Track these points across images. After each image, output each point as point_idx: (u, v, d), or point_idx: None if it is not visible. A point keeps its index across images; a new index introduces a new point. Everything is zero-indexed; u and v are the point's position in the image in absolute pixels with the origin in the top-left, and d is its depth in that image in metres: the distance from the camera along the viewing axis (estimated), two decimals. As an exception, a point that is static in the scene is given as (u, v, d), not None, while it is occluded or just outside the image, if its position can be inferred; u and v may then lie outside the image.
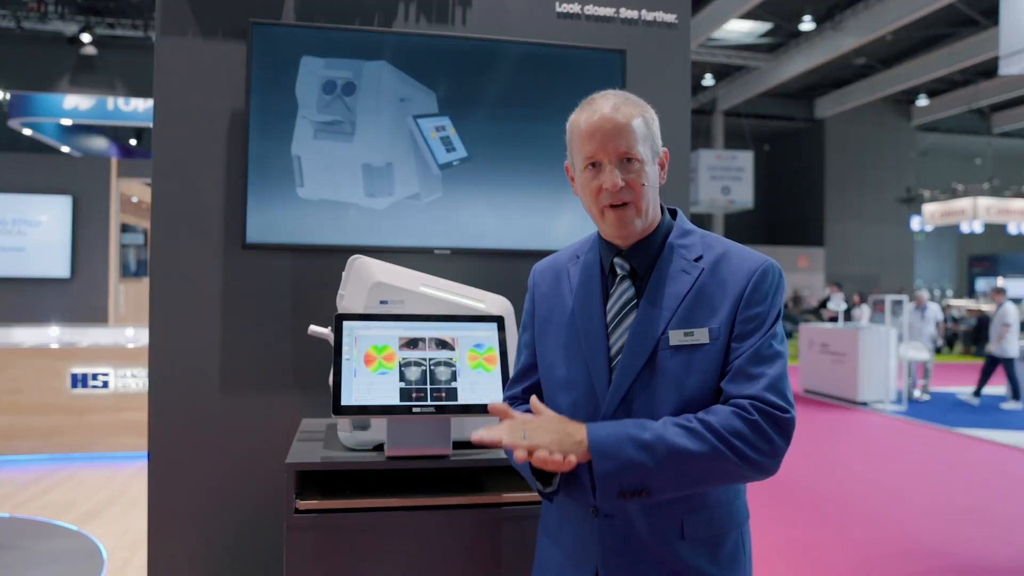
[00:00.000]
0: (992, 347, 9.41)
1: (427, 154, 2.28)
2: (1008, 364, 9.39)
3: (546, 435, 1.16)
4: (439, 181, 2.31)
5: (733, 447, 1.16)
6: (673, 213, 1.39)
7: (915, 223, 21.05)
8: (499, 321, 1.84)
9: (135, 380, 6.06)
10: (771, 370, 1.21)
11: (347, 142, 2.24)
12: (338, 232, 2.26)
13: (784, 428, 1.19)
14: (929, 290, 20.53)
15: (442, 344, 1.77)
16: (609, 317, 1.31)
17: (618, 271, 1.33)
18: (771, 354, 1.22)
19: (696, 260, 1.30)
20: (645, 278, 1.31)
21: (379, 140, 2.26)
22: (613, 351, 1.28)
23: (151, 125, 2.96)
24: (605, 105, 1.28)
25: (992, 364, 9.49)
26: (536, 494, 1.40)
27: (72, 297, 8.98)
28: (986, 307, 19.22)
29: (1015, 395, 9.48)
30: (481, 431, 1.16)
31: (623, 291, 1.32)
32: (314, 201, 2.24)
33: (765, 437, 1.17)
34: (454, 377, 1.73)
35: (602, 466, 1.15)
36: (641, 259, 1.32)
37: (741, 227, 23.39)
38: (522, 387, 1.45)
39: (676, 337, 1.25)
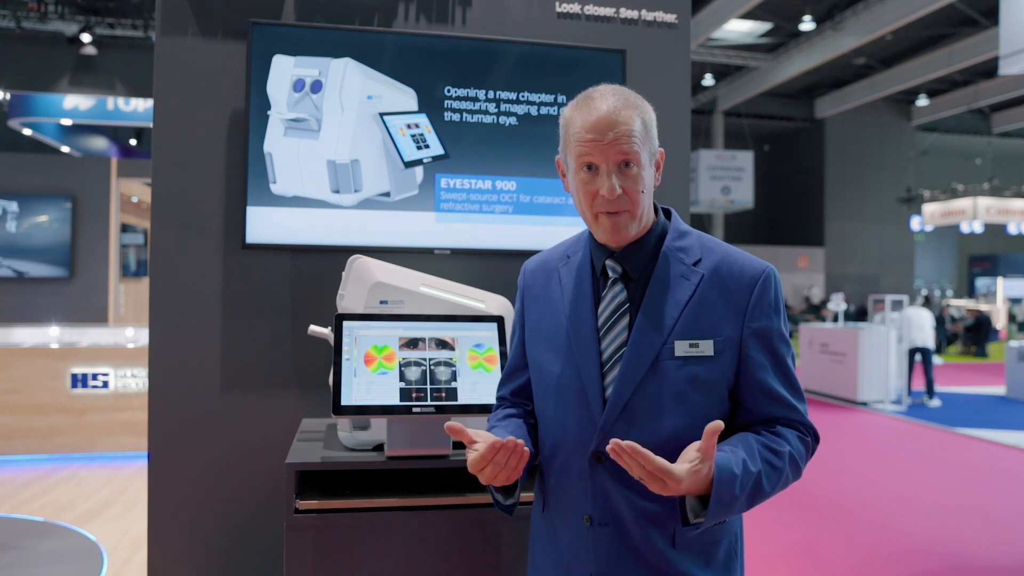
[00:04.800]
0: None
1: (393, 151, 2.28)
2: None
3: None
4: (412, 179, 2.32)
5: (797, 471, 1.25)
6: (667, 213, 1.35)
7: (915, 223, 21.06)
8: (499, 321, 1.84)
9: (135, 380, 6.06)
10: (802, 400, 1.28)
11: (313, 139, 2.25)
12: (315, 228, 2.28)
13: (814, 452, 1.30)
14: (929, 290, 20.57)
15: (442, 344, 1.77)
16: (600, 321, 1.28)
17: (610, 274, 1.29)
18: (795, 378, 1.29)
19: (695, 264, 1.27)
20: (638, 282, 1.28)
21: (344, 137, 2.27)
22: (605, 356, 1.26)
23: (151, 125, 2.96)
24: (604, 105, 1.22)
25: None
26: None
27: (72, 297, 8.99)
28: (984, 307, 19.25)
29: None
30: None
31: (615, 295, 1.28)
32: (287, 197, 2.25)
33: (810, 457, 1.28)
34: (454, 377, 1.73)
35: (716, 513, 1.16)
36: (634, 262, 1.28)
37: (741, 227, 23.39)
38: (510, 389, 1.45)
39: (681, 348, 1.22)
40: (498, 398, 1.48)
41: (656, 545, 1.22)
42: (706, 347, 1.23)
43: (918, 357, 9.57)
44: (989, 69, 16.18)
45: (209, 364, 2.27)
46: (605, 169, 1.22)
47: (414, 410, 1.68)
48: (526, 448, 1.20)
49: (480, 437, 1.22)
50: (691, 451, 1.13)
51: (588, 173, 1.24)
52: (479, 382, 1.74)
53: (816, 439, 1.28)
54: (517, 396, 1.44)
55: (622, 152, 1.21)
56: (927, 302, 9.96)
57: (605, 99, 1.23)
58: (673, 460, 1.15)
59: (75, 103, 10.99)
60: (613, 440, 1.09)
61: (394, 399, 1.68)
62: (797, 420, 1.26)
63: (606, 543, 1.24)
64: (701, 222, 20.29)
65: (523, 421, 1.38)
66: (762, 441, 1.22)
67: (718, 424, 1.10)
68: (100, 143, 13.76)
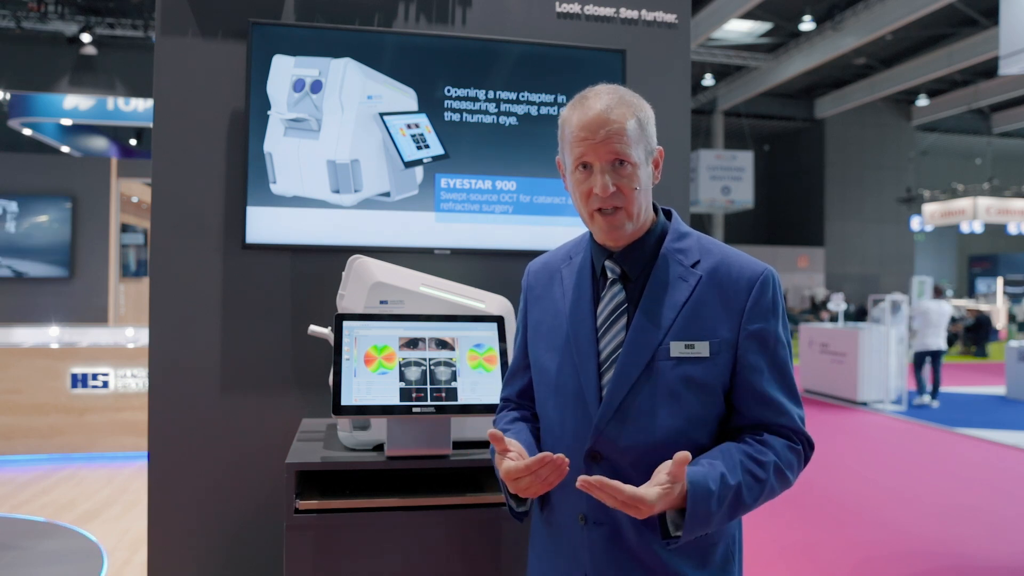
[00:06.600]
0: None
1: (393, 151, 2.29)
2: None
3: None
4: (412, 179, 2.32)
5: (784, 481, 1.23)
6: (668, 214, 1.35)
7: (915, 223, 21.05)
8: (499, 321, 1.84)
9: (135, 380, 6.06)
10: (798, 405, 1.27)
11: (313, 139, 2.25)
12: (315, 228, 2.27)
13: (809, 460, 1.28)
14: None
15: (442, 344, 1.77)
16: (599, 321, 1.29)
17: (609, 274, 1.30)
18: (792, 382, 1.27)
19: (693, 266, 1.27)
20: (637, 282, 1.28)
21: (344, 137, 2.27)
22: (603, 356, 1.26)
23: (151, 125, 2.96)
24: (597, 104, 1.23)
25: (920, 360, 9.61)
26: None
27: (72, 297, 8.99)
28: (984, 307, 19.24)
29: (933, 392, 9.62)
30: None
31: (613, 295, 1.29)
32: (287, 197, 2.25)
33: (802, 466, 1.27)
34: (454, 377, 1.73)
35: (692, 529, 1.14)
36: (633, 263, 1.29)
37: (741, 227, 23.40)
38: (515, 390, 1.46)
39: (677, 349, 1.22)
40: (502, 399, 1.49)
41: (651, 545, 1.22)
42: (702, 348, 1.23)
43: (928, 359, 9.49)
44: (989, 69, 16.18)
45: (209, 364, 2.27)
46: (598, 167, 1.23)
47: (414, 410, 1.68)
48: (566, 463, 1.19)
49: (513, 446, 1.23)
50: (661, 474, 1.12)
51: (583, 172, 1.25)
52: (479, 382, 1.74)
53: (810, 446, 1.26)
54: (522, 398, 1.45)
55: (613, 151, 1.22)
56: (939, 295, 9.74)
57: (599, 98, 1.24)
58: (668, 459, 1.16)
59: (75, 103, 10.99)
60: (581, 477, 1.09)
61: (394, 399, 1.68)
62: (788, 427, 1.24)
63: (601, 542, 1.24)
64: (701, 222, 20.30)
65: (530, 426, 1.39)
66: (745, 451, 1.21)
67: (686, 455, 1.10)
68: (100, 143, 13.76)
